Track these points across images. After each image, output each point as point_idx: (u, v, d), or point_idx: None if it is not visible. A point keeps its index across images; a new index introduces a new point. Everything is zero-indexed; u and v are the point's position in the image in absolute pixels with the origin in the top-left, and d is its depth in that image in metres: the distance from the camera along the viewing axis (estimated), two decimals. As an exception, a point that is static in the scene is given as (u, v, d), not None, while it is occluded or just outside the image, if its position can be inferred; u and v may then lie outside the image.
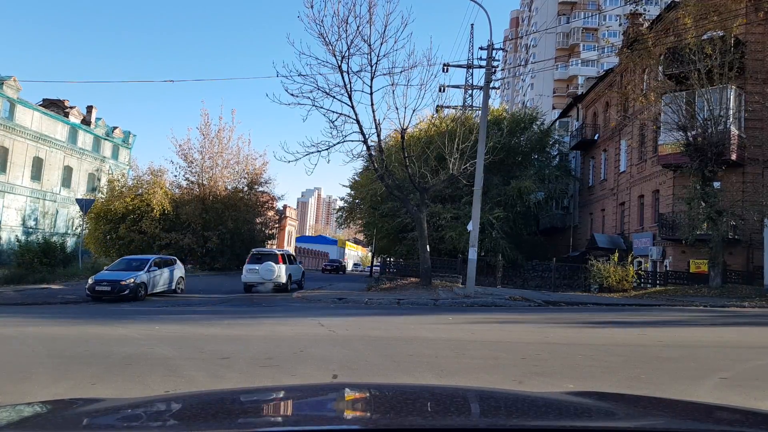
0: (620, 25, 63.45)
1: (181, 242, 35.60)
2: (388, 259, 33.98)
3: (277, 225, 49.82)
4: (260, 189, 43.58)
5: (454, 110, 35.34)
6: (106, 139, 47.84)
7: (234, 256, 36.94)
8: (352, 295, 18.85)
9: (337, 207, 44.61)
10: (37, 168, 40.08)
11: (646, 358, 7.60)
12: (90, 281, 17.64)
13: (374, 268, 47.56)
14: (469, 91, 44.99)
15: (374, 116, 20.96)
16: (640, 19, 26.91)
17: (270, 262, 21.02)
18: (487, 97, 20.09)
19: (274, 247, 45.82)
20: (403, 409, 1.72)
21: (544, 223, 36.52)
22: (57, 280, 22.49)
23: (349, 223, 42.13)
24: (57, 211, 42.38)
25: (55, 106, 42.54)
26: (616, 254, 23.00)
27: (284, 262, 21.69)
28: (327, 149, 18.87)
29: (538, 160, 34.26)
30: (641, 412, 1.80)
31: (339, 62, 18.03)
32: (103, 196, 36.73)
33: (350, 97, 18.44)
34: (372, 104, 18.62)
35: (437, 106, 34.13)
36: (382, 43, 18.01)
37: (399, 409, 1.73)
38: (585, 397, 1.97)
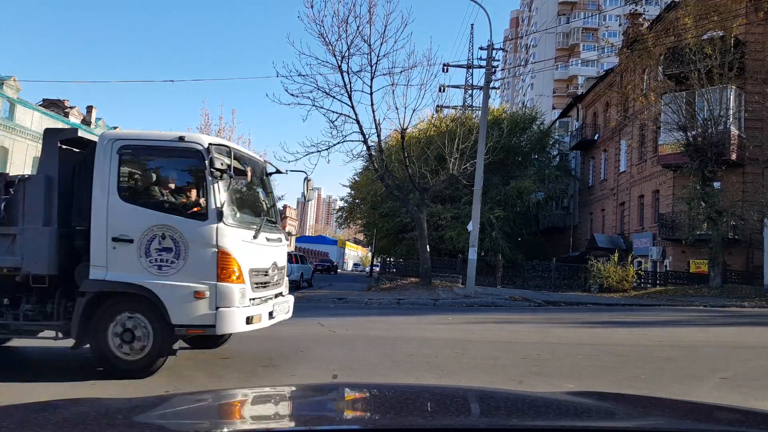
0: (620, 25, 63.44)
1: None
2: (388, 259, 33.99)
3: (277, 225, 49.70)
4: (260, 189, 43.54)
5: (454, 110, 35.32)
6: (106, 139, 47.87)
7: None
8: (352, 295, 18.85)
9: (337, 207, 44.62)
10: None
11: (646, 358, 7.60)
12: None
13: (374, 267, 47.54)
14: (469, 91, 45.02)
15: (374, 116, 20.95)
16: (640, 19, 26.92)
17: None
18: (487, 97, 20.10)
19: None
20: (403, 409, 1.72)
21: (544, 223, 36.52)
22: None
23: (349, 223, 42.15)
24: (57, 211, 42.42)
25: (55, 106, 42.54)
26: (616, 254, 23.00)
27: (297, 262, 24.88)
28: (327, 149, 18.90)
29: (538, 160, 34.27)
30: (641, 412, 1.80)
31: (339, 62, 18.05)
32: (103, 196, 36.74)
33: (350, 97, 18.45)
34: (372, 104, 18.63)
35: (437, 106, 34.09)
36: (382, 43, 18.03)
37: (399, 409, 1.73)
38: (585, 397, 1.97)
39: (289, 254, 24.44)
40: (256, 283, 6.14)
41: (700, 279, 22.11)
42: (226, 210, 5.77)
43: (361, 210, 36.67)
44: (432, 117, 31.51)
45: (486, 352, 7.92)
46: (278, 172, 7.67)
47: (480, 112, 24.76)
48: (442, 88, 33.18)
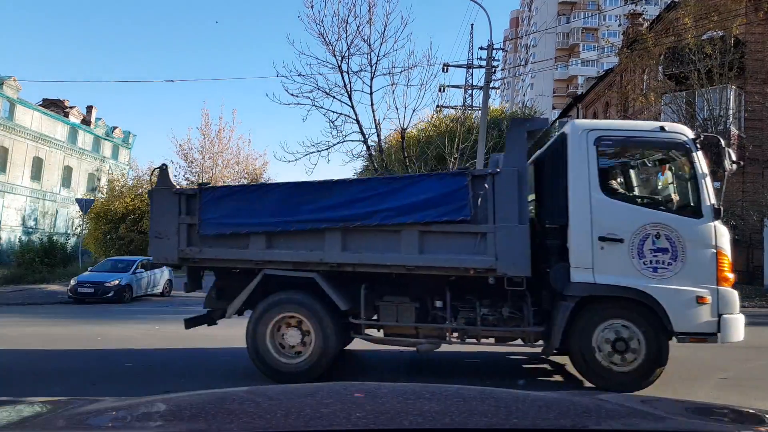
0: (620, 25, 63.41)
1: (182, 242, 35.59)
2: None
3: (277, 225, 49.78)
4: (260, 189, 43.59)
5: (454, 110, 35.31)
6: (106, 139, 47.84)
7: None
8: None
9: (337, 207, 44.54)
10: (37, 168, 40.07)
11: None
12: (72, 282, 16.99)
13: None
14: (469, 91, 44.87)
15: (374, 116, 20.91)
16: (640, 19, 26.92)
17: None
18: (487, 97, 20.11)
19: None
20: (403, 409, 1.72)
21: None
22: (57, 280, 22.46)
23: (349, 223, 42.09)
24: (57, 211, 42.38)
25: (55, 106, 42.51)
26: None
27: None
28: (327, 149, 18.86)
29: (539, 160, 34.25)
30: (641, 412, 1.80)
31: (339, 62, 18.03)
32: (103, 196, 36.72)
33: (350, 97, 18.43)
34: (372, 104, 18.60)
35: (437, 106, 34.07)
36: (382, 43, 18.01)
37: (399, 409, 1.73)
38: (585, 397, 1.97)
39: None
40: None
41: (700, 279, 22.08)
42: (717, 206, 5.41)
43: (361, 210, 36.64)
44: (432, 117, 31.50)
45: (486, 352, 7.91)
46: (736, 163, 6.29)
47: (480, 112, 24.76)
48: (442, 88, 33.13)
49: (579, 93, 43.14)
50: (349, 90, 18.33)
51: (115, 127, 49.66)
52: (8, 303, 16.08)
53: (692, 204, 5.53)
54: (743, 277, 22.64)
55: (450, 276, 5.68)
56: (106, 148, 48.05)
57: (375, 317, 5.96)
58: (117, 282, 16.61)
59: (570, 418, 1.66)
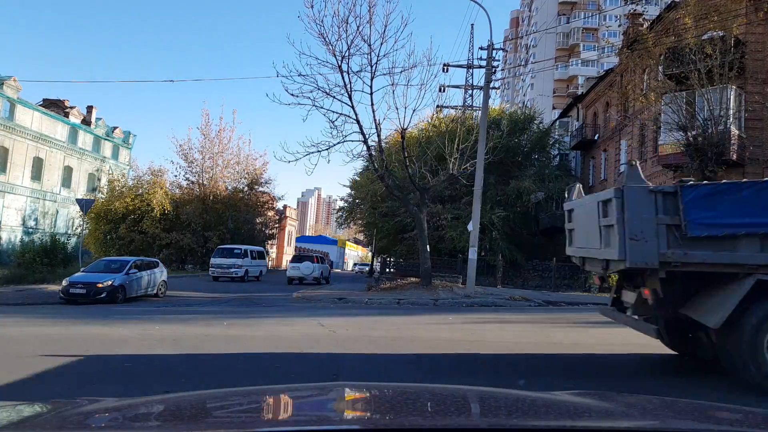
0: (620, 25, 63.39)
1: (182, 242, 35.65)
2: (389, 259, 33.97)
3: (277, 225, 49.85)
4: (260, 189, 43.63)
5: (454, 110, 35.33)
6: (106, 139, 47.84)
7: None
8: (352, 295, 18.85)
9: (337, 207, 44.64)
10: (37, 168, 40.08)
11: (646, 358, 7.60)
12: (64, 283, 16.48)
13: (374, 267, 47.52)
14: (469, 91, 44.95)
15: (374, 116, 20.94)
16: (640, 19, 26.90)
17: (308, 262, 29.56)
18: (487, 97, 20.09)
19: (275, 247, 50.17)
20: (403, 409, 1.72)
21: (544, 223, 36.46)
22: (57, 280, 22.45)
23: (349, 223, 42.13)
24: (57, 211, 42.38)
25: (55, 106, 42.53)
26: (617, 254, 22.93)
27: (318, 262, 30.10)
28: (327, 149, 18.87)
29: (538, 160, 34.25)
30: (641, 412, 1.80)
31: (339, 62, 18.04)
32: (103, 196, 36.75)
33: (350, 97, 18.44)
34: (372, 104, 18.61)
35: (437, 106, 34.13)
36: (382, 43, 18.03)
37: (399, 409, 1.73)
38: (585, 397, 1.97)
39: (312, 256, 31.11)
40: None
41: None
42: None
43: (361, 210, 36.67)
44: (432, 117, 31.53)
45: (486, 351, 7.92)
46: None
47: (480, 112, 24.75)
48: (442, 88, 33.24)
49: (579, 93, 43.12)
50: (349, 90, 18.36)
51: (115, 127, 49.66)
52: (7, 303, 16.06)
53: None
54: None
55: None
56: (107, 148, 48.05)
57: None
58: (110, 283, 16.15)
59: (570, 418, 1.66)
